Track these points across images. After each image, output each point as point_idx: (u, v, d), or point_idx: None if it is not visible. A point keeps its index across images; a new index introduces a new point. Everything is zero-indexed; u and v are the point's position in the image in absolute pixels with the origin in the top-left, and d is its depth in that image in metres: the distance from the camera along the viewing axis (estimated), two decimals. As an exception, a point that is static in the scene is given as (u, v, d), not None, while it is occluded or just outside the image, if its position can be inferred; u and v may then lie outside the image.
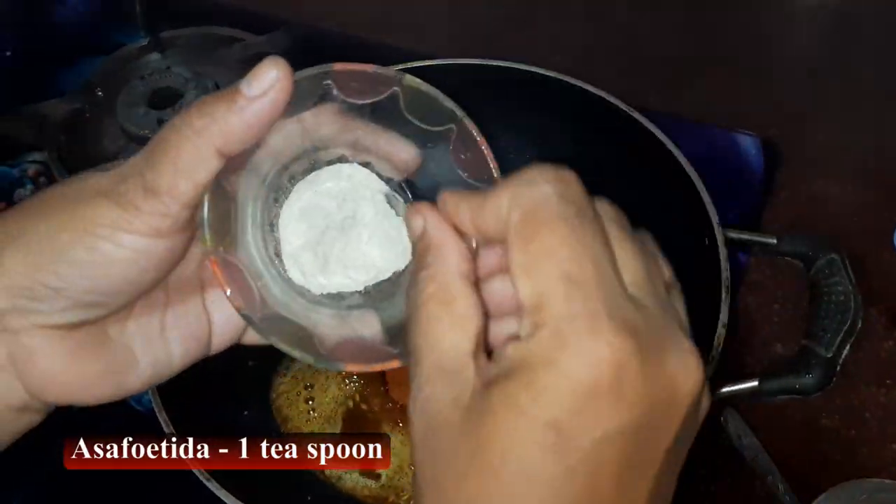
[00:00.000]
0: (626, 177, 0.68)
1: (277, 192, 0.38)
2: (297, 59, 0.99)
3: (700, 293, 0.58)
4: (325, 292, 0.39)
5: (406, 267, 0.38)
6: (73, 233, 0.33)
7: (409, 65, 0.71)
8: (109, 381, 0.36)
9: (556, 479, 0.26)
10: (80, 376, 0.35)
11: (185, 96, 0.87)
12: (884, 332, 0.71)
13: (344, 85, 0.36)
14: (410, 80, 0.36)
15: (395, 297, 0.39)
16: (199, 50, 0.95)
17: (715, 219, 0.56)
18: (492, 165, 0.37)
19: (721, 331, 0.51)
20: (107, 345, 0.36)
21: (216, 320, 0.39)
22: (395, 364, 0.36)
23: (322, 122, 0.37)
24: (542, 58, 0.92)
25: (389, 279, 0.39)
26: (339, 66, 0.35)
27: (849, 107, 0.87)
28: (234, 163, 0.34)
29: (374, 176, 0.39)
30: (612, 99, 0.66)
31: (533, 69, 0.69)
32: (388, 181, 0.39)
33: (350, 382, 0.67)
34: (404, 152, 0.38)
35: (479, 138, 0.37)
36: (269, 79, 0.32)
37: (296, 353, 0.36)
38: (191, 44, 0.96)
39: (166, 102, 0.87)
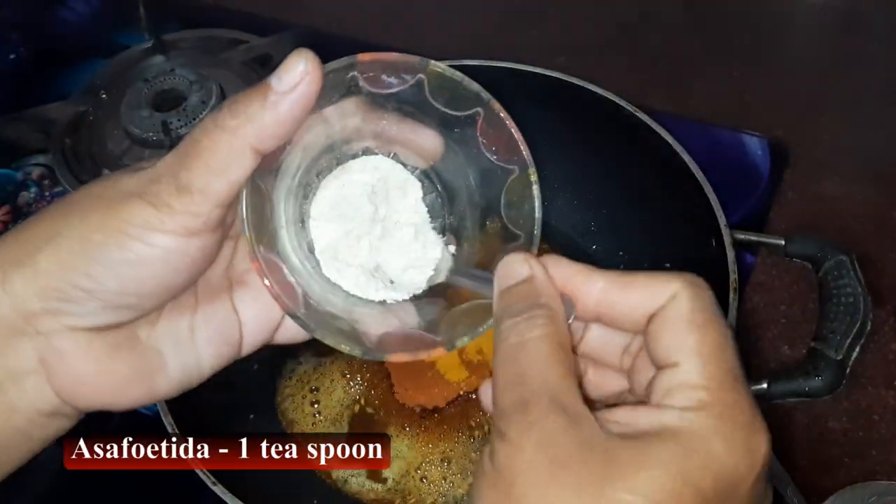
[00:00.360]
0: (632, 178, 0.68)
1: (307, 189, 0.38)
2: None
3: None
4: (359, 293, 0.39)
5: (440, 264, 0.38)
6: (106, 233, 0.33)
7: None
8: (140, 384, 0.36)
9: None
10: (110, 379, 0.35)
11: (188, 99, 0.87)
12: (892, 334, 0.71)
13: (370, 75, 0.36)
14: (435, 65, 0.36)
15: (428, 289, 0.39)
16: (203, 52, 0.95)
17: (722, 220, 0.56)
18: (522, 146, 0.38)
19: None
20: (137, 348, 0.36)
21: (246, 321, 0.39)
22: (440, 352, 0.36)
23: (346, 115, 0.37)
24: (546, 57, 0.92)
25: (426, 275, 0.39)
26: (364, 57, 0.35)
27: (856, 107, 0.87)
28: (269, 160, 0.34)
29: (399, 166, 0.39)
30: (617, 99, 0.66)
31: (537, 70, 0.68)
32: (413, 170, 0.39)
33: (355, 385, 0.66)
34: (428, 140, 0.38)
35: (507, 119, 0.37)
36: (299, 72, 0.32)
37: (344, 347, 0.36)
38: (194, 46, 0.96)
39: (170, 105, 0.87)
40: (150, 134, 0.85)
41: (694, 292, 0.31)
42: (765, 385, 0.50)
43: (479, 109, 0.37)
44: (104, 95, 0.92)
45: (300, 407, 0.65)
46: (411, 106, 0.37)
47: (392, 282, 0.39)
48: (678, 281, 0.31)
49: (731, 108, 0.88)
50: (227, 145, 0.32)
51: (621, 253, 0.70)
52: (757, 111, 0.87)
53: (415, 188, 0.39)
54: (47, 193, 0.87)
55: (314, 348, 0.69)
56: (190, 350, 0.37)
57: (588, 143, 0.70)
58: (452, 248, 0.40)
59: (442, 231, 0.40)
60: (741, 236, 0.56)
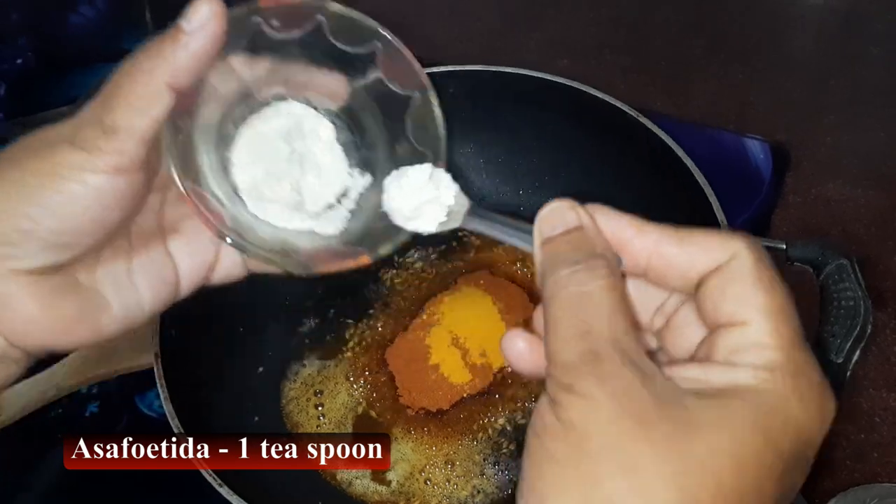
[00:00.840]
0: (634, 181, 0.69)
1: (227, 139, 0.40)
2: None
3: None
4: (286, 225, 0.41)
5: (454, 207, 0.39)
6: (41, 177, 0.35)
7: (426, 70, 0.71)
8: (84, 324, 0.38)
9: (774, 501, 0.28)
10: (56, 320, 0.37)
11: (194, 102, 0.87)
12: (894, 336, 0.71)
13: (272, 21, 0.38)
14: (331, 5, 0.38)
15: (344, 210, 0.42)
16: (208, 56, 0.95)
17: (724, 224, 0.56)
18: (419, 72, 0.40)
19: (730, 337, 0.51)
20: (78, 290, 0.38)
21: (181, 263, 0.41)
22: (365, 260, 0.39)
23: (254, 64, 0.39)
24: (548, 60, 0.92)
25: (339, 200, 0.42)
26: (266, 2, 0.37)
27: (858, 109, 0.87)
28: (186, 102, 0.36)
29: (311, 109, 0.41)
30: (618, 103, 0.66)
31: (537, 74, 0.69)
32: (324, 112, 0.41)
33: (359, 388, 0.67)
34: (334, 83, 0.41)
35: (402, 49, 0.39)
36: (204, 13, 0.35)
37: (277, 261, 0.39)
38: (200, 50, 0.97)
39: (175, 108, 0.87)
40: (156, 137, 0.85)
41: (757, 252, 0.31)
42: (765, 388, 0.51)
43: (377, 43, 0.39)
44: (110, 99, 0.93)
45: (304, 410, 0.66)
46: (315, 49, 0.39)
47: (317, 216, 0.41)
48: (740, 240, 0.31)
49: (733, 110, 0.88)
50: (144, 84, 0.35)
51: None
52: (758, 114, 0.87)
53: (327, 129, 0.41)
54: (54, 197, 0.87)
55: (318, 352, 0.70)
56: (130, 292, 0.39)
57: (590, 147, 0.70)
58: (369, 178, 0.42)
59: (359, 165, 0.42)
60: (743, 241, 0.56)
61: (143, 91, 0.35)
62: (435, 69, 0.71)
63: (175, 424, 0.54)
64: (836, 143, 0.84)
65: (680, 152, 0.60)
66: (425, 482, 0.62)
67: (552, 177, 0.75)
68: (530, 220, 0.36)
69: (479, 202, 0.75)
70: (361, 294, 0.73)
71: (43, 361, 0.72)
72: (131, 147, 0.35)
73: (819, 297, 0.53)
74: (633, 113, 0.64)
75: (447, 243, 0.75)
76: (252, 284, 0.70)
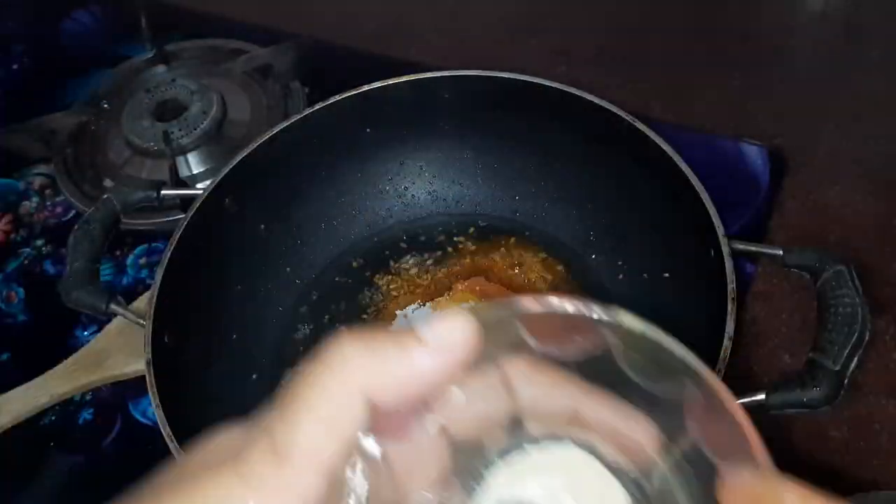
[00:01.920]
0: (631, 188, 0.68)
1: (464, 478, 0.29)
2: (301, 71, 1.00)
3: (706, 304, 0.58)
4: None
5: None
6: None
7: (414, 77, 0.71)
8: None
9: None
10: None
11: (189, 108, 0.87)
12: (893, 343, 0.70)
13: (541, 333, 0.27)
14: (625, 319, 0.27)
15: None
16: (205, 62, 0.95)
17: (720, 230, 0.56)
18: (751, 438, 0.26)
19: (727, 343, 0.50)
20: None
21: None
22: None
23: (523, 379, 0.29)
24: (547, 67, 0.92)
25: None
26: (528, 305, 0.27)
27: (857, 115, 0.87)
28: (392, 427, 0.27)
29: (598, 464, 0.29)
30: (614, 108, 0.66)
31: (535, 80, 0.68)
32: (616, 471, 0.29)
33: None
34: (642, 432, 0.28)
35: (730, 403, 0.26)
36: (457, 336, 0.26)
37: None
38: (196, 56, 0.97)
39: (171, 115, 0.87)
40: (151, 144, 0.85)
41: None
42: (762, 396, 0.50)
43: (688, 383, 0.27)
44: (106, 105, 0.93)
45: (299, 417, 0.65)
46: (599, 380, 0.28)
47: None
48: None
49: (733, 116, 0.88)
50: (336, 384, 0.26)
51: (620, 263, 0.70)
52: (758, 120, 0.87)
53: (618, 498, 0.28)
54: (49, 203, 0.87)
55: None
56: None
57: (587, 153, 0.70)
58: None
59: None
60: (740, 246, 0.56)
61: (331, 393, 0.26)
62: (429, 74, 0.71)
63: (167, 433, 0.54)
64: (836, 150, 0.84)
65: (676, 157, 0.60)
66: None
67: (548, 183, 0.74)
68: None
69: (475, 208, 0.75)
70: (356, 300, 0.72)
71: (35, 369, 0.72)
72: (304, 479, 0.26)
73: (817, 304, 0.52)
74: (628, 118, 0.64)
75: (443, 249, 0.75)
76: (246, 292, 0.70)
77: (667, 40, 0.97)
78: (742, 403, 0.51)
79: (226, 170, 0.66)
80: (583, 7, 1.01)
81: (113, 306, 0.61)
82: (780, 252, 0.55)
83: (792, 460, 0.63)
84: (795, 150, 0.83)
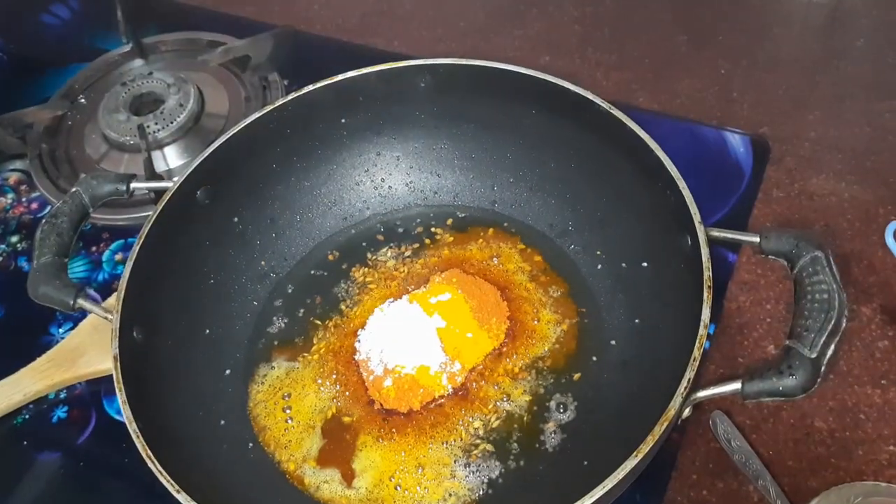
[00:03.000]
0: (610, 177, 0.68)
1: None
2: (280, 62, 0.99)
3: (685, 293, 0.57)
4: None
5: None
6: None
7: (388, 66, 0.70)
8: None
9: None
10: None
11: (166, 102, 0.86)
12: (879, 331, 0.70)
13: None
14: None
15: None
16: (181, 55, 0.95)
17: (697, 217, 0.55)
18: None
19: (702, 331, 0.50)
20: None
21: None
22: None
23: None
24: (531, 57, 0.92)
25: None
26: None
27: (842, 103, 0.86)
28: None
29: None
30: (593, 97, 0.65)
31: (511, 67, 0.67)
32: None
33: (328, 390, 0.65)
34: None
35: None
36: None
37: None
38: (173, 49, 0.96)
39: (148, 108, 0.86)
40: (127, 138, 0.84)
41: None
42: (738, 385, 0.49)
43: None
44: (82, 99, 0.92)
45: (272, 413, 0.64)
46: None
47: None
48: None
49: (718, 105, 0.87)
50: None
51: (599, 252, 0.69)
52: (743, 109, 0.87)
53: None
54: (24, 199, 0.86)
55: (287, 353, 0.68)
56: None
57: (565, 142, 0.69)
58: None
59: None
60: (716, 234, 0.55)
61: None
62: (404, 63, 0.70)
63: (133, 429, 0.53)
64: (821, 138, 0.83)
65: (653, 144, 0.59)
66: (395, 488, 0.60)
67: (526, 172, 0.73)
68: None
69: (453, 199, 0.74)
70: (332, 293, 0.71)
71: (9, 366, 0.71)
72: None
73: (794, 290, 0.51)
74: (605, 105, 0.63)
75: (420, 241, 0.74)
76: (219, 285, 0.69)
77: (652, 31, 0.97)
78: (717, 393, 0.51)
79: (197, 162, 0.65)
80: (568, -2, 1.01)
81: (81, 301, 0.60)
82: (757, 239, 0.54)
83: (778, 450, 0.63)
84: (780, 138, 0.83)
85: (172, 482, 0.50)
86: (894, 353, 0.68)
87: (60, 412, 0.71)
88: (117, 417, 0.70)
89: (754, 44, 0.94)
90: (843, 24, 0.96)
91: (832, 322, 0.47)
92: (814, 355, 0.46)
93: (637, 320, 0.64)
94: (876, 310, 0.71)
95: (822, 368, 0.46)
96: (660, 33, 0.97)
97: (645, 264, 0.64)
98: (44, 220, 0.64)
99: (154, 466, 0.50)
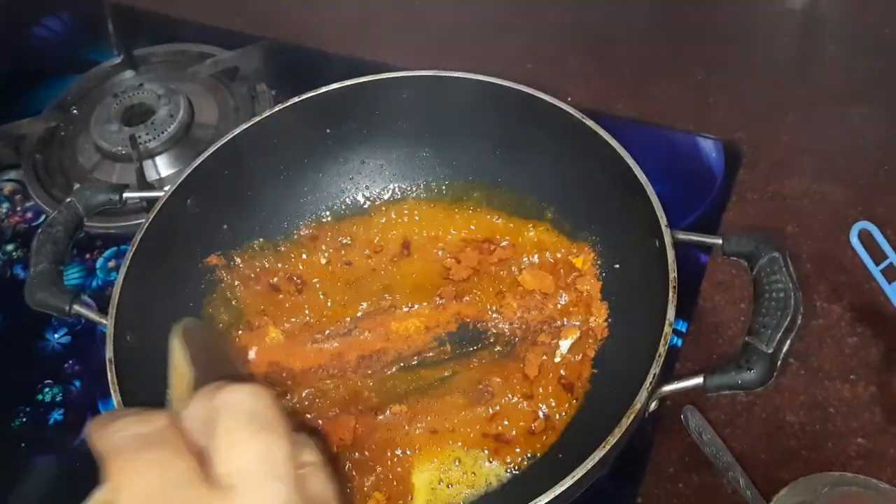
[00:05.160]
0: (582, 182, 0.70)
1: None
2: (269, 73, 1.00)
3: (655, 294, 0.59)
4: None
5: None
6: None
7: (372, 77, 0.72)
8: None
9: None
10: None
11: (157, 112, 0.88)
12: (848, 329, 0.72)
13: None
14: None
15: None
16: (172, 67, 0.96)
17: (663, 221, 0.57)
18: None
19: (667, 329, 0.52)
20: None
21: None
22: None
23: None
24: (513, 66, 0.93)
25: None
26: None
27: (815, 108, 0.88)
28: None
29: None
30: (567, 107, 0.67)
31: (490, 79, 0.70)
32: None
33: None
34: None
35: None
36: None
37: None
38: (163, 61, 0.98)
39: (139, 119, 0.88)
40: (119, 148, 0.86)
41: None
42: (700, 380, 0.52)
43: None
44: (75, 111, 0.94)
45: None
46: None
47: None
48: None
49: (693, 112, 0.89)
50: None
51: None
52: (718, 114, 0.88)
53: None
54: (19, 208, 0.88)
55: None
56: None
57: (543, 149, 0.71)
58: None
59: None
60: (682, 236, 0.57)
61: None
62: (387, 75, 0.72)
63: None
64: (794, 142, 0.85)
65: (623, 152, 0.61)
66: (447, 487, 0.62)
67: (506, 178, 0.75)
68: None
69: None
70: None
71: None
72: None
73: (753, 290, 0.53)
74: (578, 115, 0.65)
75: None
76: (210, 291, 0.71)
77: (632, 39, 0.99)
78: (680, 388, 0.53)
79: (187, 171, 0.67)
80: (548, 7, 1.02)
81: (76, 307, 0.62)
82: (720, 241, 0.56)
83: (751, 444, 0.65)
84: (755, 142, 0.85)
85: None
86: (863, 349, 0.70)
87: (57, 415, 0.73)
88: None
89: (730, 51, 0.96)
90: (815, 31, 0.98)
91: (788, 319, 0.49)
92: (770, 350, 0.49)
93: (610, 320, 0.66)
94: (846, 307, 0.73)
95: (779, 363, 0.49)
96: (639, 42, 0.98)
97: (617, 266, 0.67)
98: (40, 230, 0.66)
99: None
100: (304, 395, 0.66)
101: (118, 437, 0.32)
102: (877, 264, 0.74)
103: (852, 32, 0.96)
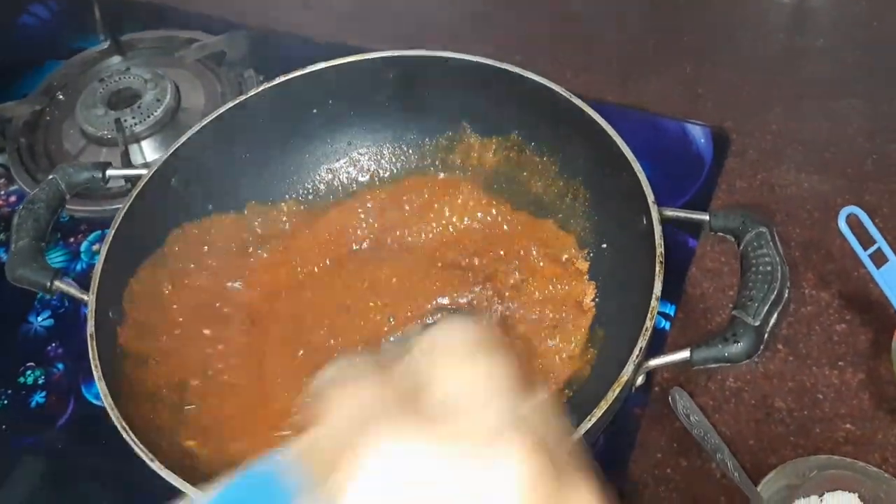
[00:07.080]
0: (573, 163, 0.70)
1: None
2: (255, 58, 1.00)
3: (644, 272, 0.59)
4: None
5: None
6: None
7: (358, 58, 0.72)
8: None
9: None
10: None
11: (143, 97, 0.87)
12: (835, 315, 0.72)
13: None
14: None
15: None
16: (158, 52, 0.96)
17: (650, 198, 0.57)
18: None
19: (654, 303, 0.52)
20: None
21: None
22: None
23: None
24: (503, 56, 0.93)
25: None
26: None
27: (803, 99, 0.88)
28: None
29: None
30: (554, 86, 0.67)
31: (476, 59, 0.70)
32: None
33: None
34: None
35: None
36: None
37: None
38: (150, 46, 0.97)
39: (126, 103, 0.88)
40: (105, 132, 0.85)
41: None
42: (687, 353, 0.51)
43: None
44: (61, 96, 0.93)
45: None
46: None
47: None
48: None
49: (684, 102, 0.89)
50: None
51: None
52: (708, 105, 0.89)
53: None
54: (3, 192, 0.87)
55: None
56: None
57: (531, 130, 0.71)
58: None
59: None
60: (668, 213, 0.57)
61: None
62: (373, 55, 0.72)
63: (108, 403, 0.54)
64: (782, 132, 0.85)
65: (610, 130, 0.61)
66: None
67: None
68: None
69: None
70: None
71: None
72: None
73: (740, 265, 0.53)
74: (565, 93, 0.65)
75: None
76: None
77: (623, 30, 0.99)
78: (668, 362, 0.53)
79: (172, 149, 0.67)
80: (538, -1, 1.03)
81: (58, 283, 0.61)
82: (707, 217, 0.56)
83: (739, 430, 0.65)
84: (743, 132, 0.85)
85: (147, 452, 0.51)
86: (851, 336, 0.70)
87: (39, 397, 0.73)
88: (95, 402, 0.72)
89: (719, 43, 0.96)
90: (803, 24, 0.98)
91: (775, 292, 0.49)
92: (757, 323, 0.49)
93: (599, 299, 0.66)
94: (834, 295, 0.73)
95: (766, 336, 0.49)
96: (627, 35, 0.99)
97: (604, 245, 0.67)
98: (21, 206, 0.65)
99: (129, 437, 0.52)
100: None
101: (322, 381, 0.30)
102: (864, 249, 0.74)
103: (839, 26, 0.96)
